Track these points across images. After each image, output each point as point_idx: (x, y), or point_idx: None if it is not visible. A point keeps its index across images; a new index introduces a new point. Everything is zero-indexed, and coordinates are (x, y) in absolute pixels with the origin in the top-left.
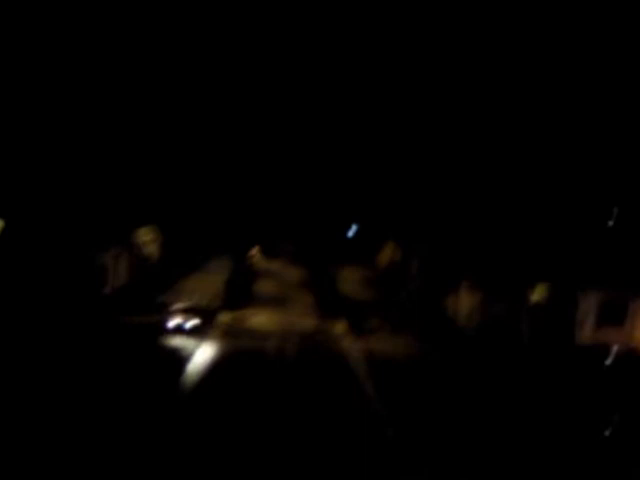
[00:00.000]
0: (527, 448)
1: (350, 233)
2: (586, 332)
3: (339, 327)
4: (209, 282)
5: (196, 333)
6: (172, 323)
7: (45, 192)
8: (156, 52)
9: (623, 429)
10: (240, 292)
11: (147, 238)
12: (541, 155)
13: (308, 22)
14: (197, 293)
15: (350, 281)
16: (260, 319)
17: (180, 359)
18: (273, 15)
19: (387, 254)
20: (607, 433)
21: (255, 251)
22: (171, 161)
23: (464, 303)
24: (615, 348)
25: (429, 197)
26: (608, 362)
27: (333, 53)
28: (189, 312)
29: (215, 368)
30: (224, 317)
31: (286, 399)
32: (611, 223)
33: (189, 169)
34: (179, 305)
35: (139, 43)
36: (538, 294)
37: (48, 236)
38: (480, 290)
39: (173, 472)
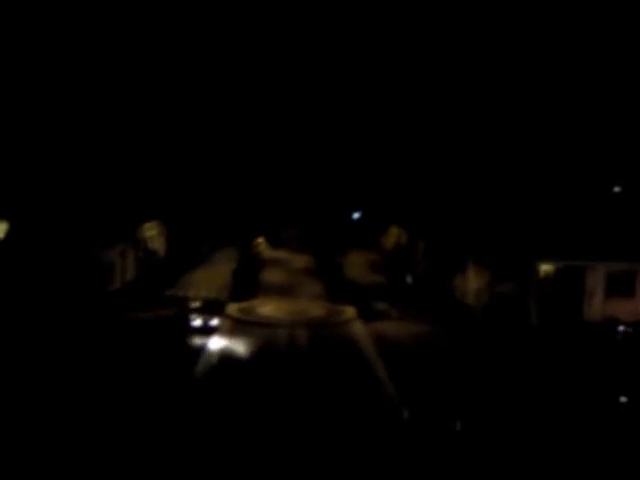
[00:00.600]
0: (538, 425)
1: (355, 217)
2: (595, 306)
3: (348, 313)
4: (216, 273)
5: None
6: (196, 322)
7: (50, 191)
8: (158, 49)
9: (634, 403)
10: (247, 282)
11: (152, 233)
12: (543, 132)
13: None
14: (204, 285)
15: (357, 266)
16: (269, 308)
17: (195, 352)
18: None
19: (392, 237)
20: (622, 400)
21: (260, 240)
22: (173, 155)
23: (472, 283)
24: (624, 321)
25: (433, 179)
26: (618, 335)
27: (342, 43)
28: (201, 307)
29: (228, 360)
30: (233, 308)
31: (300, 386)
32: (617, 190)
33: (191, 162)
34: (195, 303)
35: (142, 42)
36: (545, 271)
37: (54, 235)
38: (487, 269)
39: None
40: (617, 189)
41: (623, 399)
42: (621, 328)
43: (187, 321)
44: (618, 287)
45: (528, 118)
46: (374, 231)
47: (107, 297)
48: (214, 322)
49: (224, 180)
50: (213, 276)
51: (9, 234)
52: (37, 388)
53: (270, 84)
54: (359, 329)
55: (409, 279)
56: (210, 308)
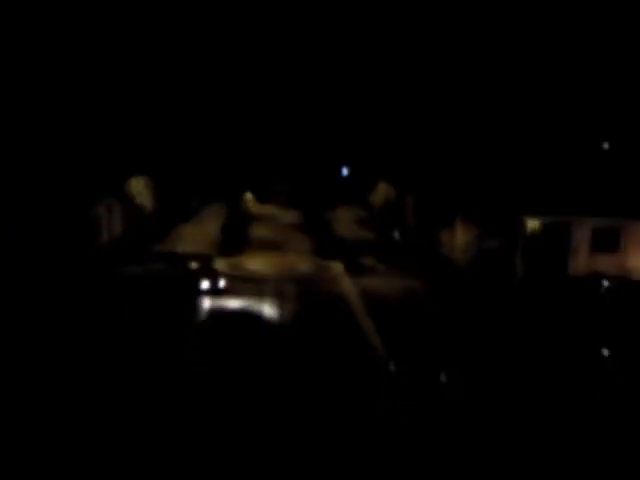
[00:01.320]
0: (522, 377)
1: (343, 173)
2: (580, 261)
3: (336, 268)
4: (204, 229)
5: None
6: (205, 284)
7: (36, 145)
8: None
9: (620, 353)
10: (236, 237)
11: (139, 188)
12: (532, 89)
13: None
14: (193, 240)
15: (345, 222)
16: (257, 263)
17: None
18: None
19: (381, 193)
20: (606, 354)
21: (249, 196)
22: (161, 110)
23: (459, 239)
24: (609, 276)
25: (422, 134)
26: (603, 289)
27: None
28: (201, 268)
29: (217, 313)
30: (221, 263)
31: (290, 339)
32: (605, 146)
33: (180, 117)
34: (194, 264)
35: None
36: (532, 226)
37: (40, 190)
38: (475, 225)
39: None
40: (605, 145)
41: (605, 351)
42: (605, 282)
43: (190, 282)
44: (603, 242)
45: (515, 74)
46: (363, 187)
47: (95, 252)
48: (222, 284)
49: (212, 135)
50: (202, 231)
51: None
52: (32, 350)
53: (258, 48)
54: (346, 284)
55: (397, 235)
56: (208, 268)
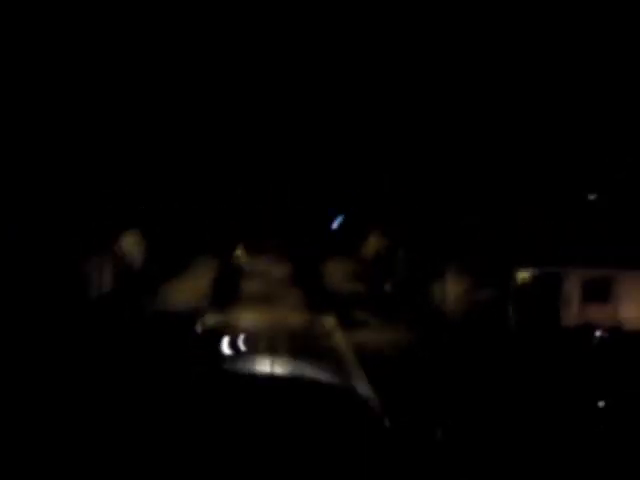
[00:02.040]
0: (520, 431)
1: (334, 226)
2: (571, 312)
3: (328, 322)
4: (195, 283)
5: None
6: (225, 347)
7: (29, 201)
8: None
9: (615, 403)
10: (227, 292)
11: (130, 243)
12: (519, 143)
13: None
14: (184, 295)
15: (336, 274)
16: (249, 318)
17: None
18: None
19: (372, 245)
20: (600, 405)
21: (240, 249)
22: (151, 165)
23: (450, 290)
24: (601, 326)
25: (412, 186)
26: (595, 340)
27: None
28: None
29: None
30: (212, 318)
31: (281, 395)
32: (591, 197)
33: (169, 171)
34: (198, 327)
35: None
36: (522, 277)
37: (32, 246)
38: (466, 277)
39: None
40: (592, 196)
41: (601, 403)
42: (598, 333)
43: (200, 343)
44: (594, 293)
45: (504, 128)
46: (354, 240)
47: (86, 307)
48: (242, 346)
49: (202, 189)
50: (192, 286)
51: None
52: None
53: (248, 104)
54: (339, 339)
55: (388, 287)
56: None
